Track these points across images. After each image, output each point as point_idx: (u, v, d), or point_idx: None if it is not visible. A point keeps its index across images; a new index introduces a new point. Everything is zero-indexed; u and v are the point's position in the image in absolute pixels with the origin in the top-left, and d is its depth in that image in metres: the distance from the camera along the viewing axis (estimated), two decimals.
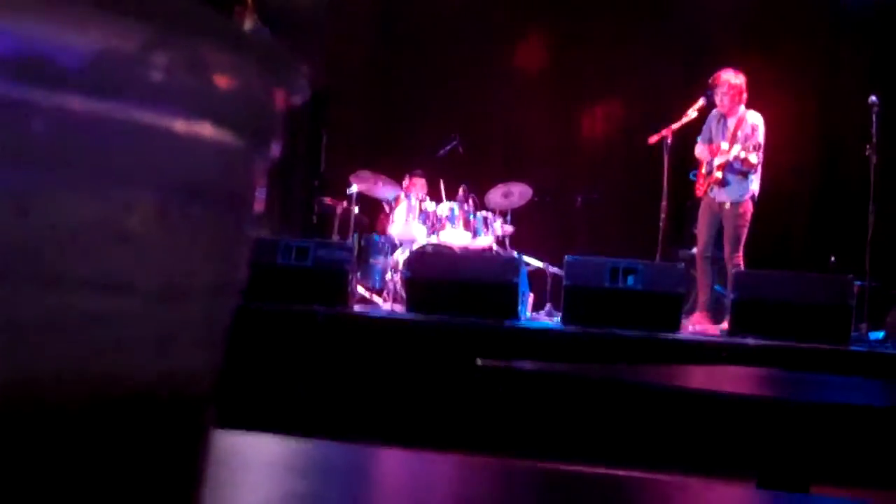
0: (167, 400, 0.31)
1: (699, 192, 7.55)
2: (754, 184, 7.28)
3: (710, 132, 7.55)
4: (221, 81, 0.30)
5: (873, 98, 7.50)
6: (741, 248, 7.31)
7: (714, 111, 7.51)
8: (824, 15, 10.13)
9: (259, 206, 0.36)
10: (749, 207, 7.29)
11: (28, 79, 0.26)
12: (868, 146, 7.49)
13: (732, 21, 10.22)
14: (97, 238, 0.28)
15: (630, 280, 6.56)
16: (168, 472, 0.32)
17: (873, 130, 7.45)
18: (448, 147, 9.32)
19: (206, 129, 0.30)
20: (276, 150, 0.36)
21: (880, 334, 6.92)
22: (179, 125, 0.29)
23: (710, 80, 7.56)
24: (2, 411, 0.27)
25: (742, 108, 7.39)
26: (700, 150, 7.56)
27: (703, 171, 7.50)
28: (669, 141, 7.61)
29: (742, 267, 7.25)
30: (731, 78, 7.42)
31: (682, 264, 7.13)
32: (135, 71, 0.28)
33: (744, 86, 7.42)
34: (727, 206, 7.31)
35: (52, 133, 0.27)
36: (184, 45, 0.29)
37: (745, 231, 7.31)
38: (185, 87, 0.29)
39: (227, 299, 0.34)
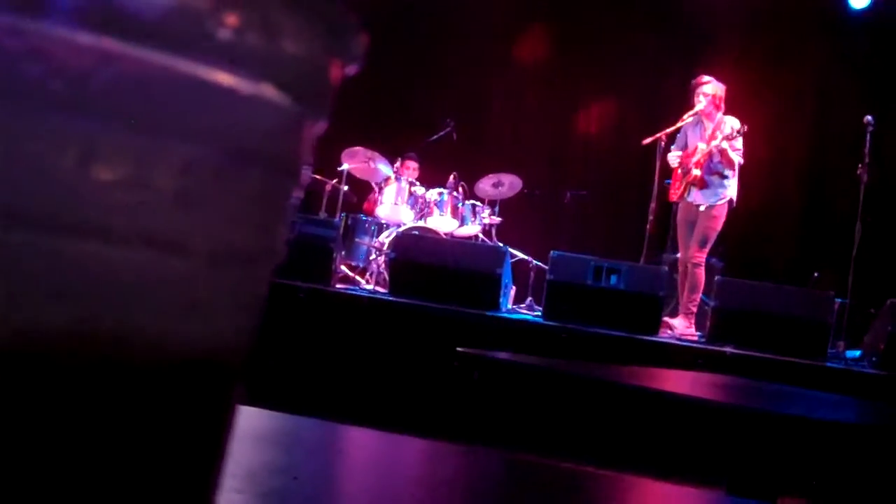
0: (204, 364, 0.31)
1: (673, 197, 7.55)
2: (731, 189, 7.28)
3: (686, 138, 7.56)
4: (288, 45, 0.30)
5: (868, 118, 7.51)
6: (707, 249, 7.31)
7: (692, 119, 7.51)
8: (821, 32, 10.15)
9: (306, 178, 0.35)
10: (723, 212, 7.29)
11: (101, 27, 0.25)
12: (860, 165, 7.51)
13: (728, 30, 10.23)
14: (154, 194, 0.27)
15: (613, 279, 6.57)
16: (198, 435, 0.32)
17: (866, 150, 7.48)
18: (442, 133, 9.30)
19: (268, 92, 0.30)
20: (324, 124, 0.36)
21: (857, 353, 6.95)
22: (244, 86, 0.29)
23: (693, 81, 7.58)
24: (46, 360, 0.26)
25: (720, 114, 7.42)
26: (673, 157, 7.57)
27: (679, 172, 7.50)
28: (663, 144, 7.61)
29: (702, 267, 7.26)
30: (714, 82, 7.45)
31: (666, 268, 7.13)
32: (206, 28, 0.27)
33: (723, 94, 7.44)
34: (702, 208, 7.32)
35: (120, 83, 0.26)
36: (256, 5, 0.28)
37: (714, 235, 7.30)
38: (254, 47, 0.28)
39: (267, 268, 0.34)
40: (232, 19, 0.28)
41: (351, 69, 0.35)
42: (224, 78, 0.28)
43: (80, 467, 0.27)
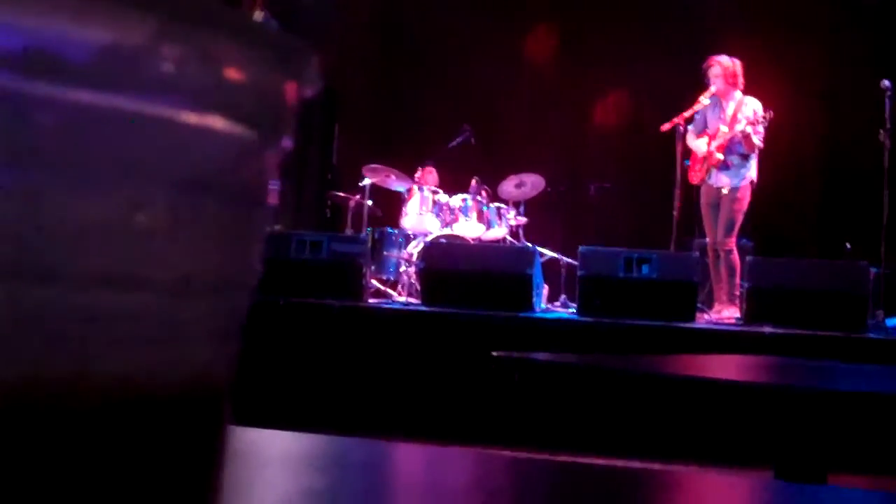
0: (182, 397, 0.31)
1: (694, 180, 7.52)
2: (752, 170, 7.24)
3: (705, 120, 7.52)
4: (232, 74, 0.30)
5: (886, 82, 7.45)
6: (735, 234, 7.28)
7: (709, 101, 7.47)
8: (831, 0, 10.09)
9: (272, 199, 0.35)
10: (747, 194, 7.25)
11: (34, 73, 0.26)
12: (882, 131, 7.44)
13: (741, 7, 10.18)
14: (107, 234, 0.28)
15: (644, 269, 6.54)
16: (184, 470, 0.32)
17: (887, 115, 7.41)
18: (460, 138, 9.31)
19: (217, 123, 0.30)
20: (288, 142, 0.36)
21: None
22: (190, 118, 0.29)
23: (703, 65, 7.55)
24: (13, 411, 0.26)
25: (739, 92, 7.37)
26: (691, 139, 7.54)
27: (701, 156, 7.46)
28: (682, 129, 7.58)
29: (735, 252, 7.23)
30: (723, 61, 7.41)
31: (697, 253, 7.10)
32: (143, 63, 0.27)
33: (738, 69, 7.39)
34: (725, 190, 7.28)
35: (60, 128, 0.26)
36: (194, 36, 0.28)
37: (741, 217, 7.27)
38: (196, 79, 0.29)
39: (241, 294, 0.34)
40: (170, 53, 0.28)
41: (308, 91, 0.35)
42: (167, 112, 0.28)
43: None
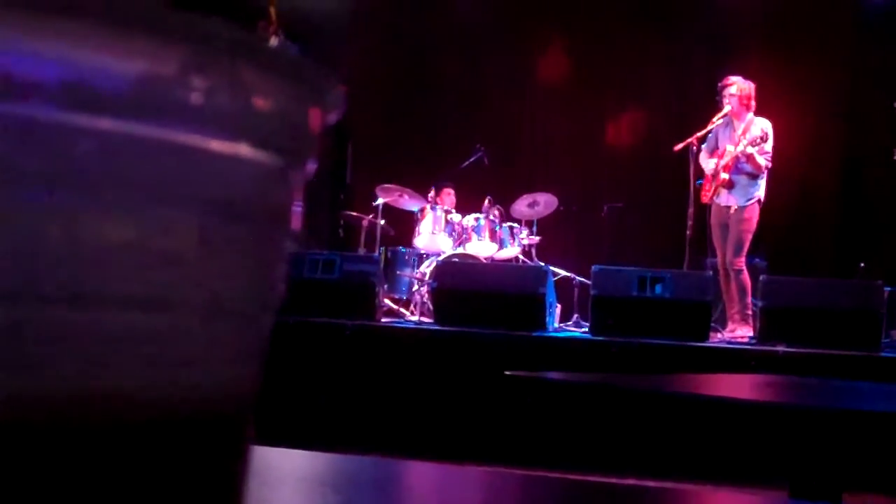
0: (208, 416, 0.32)
1: (705, 199, 7.52)
2: (760, 189, 7.23)
3: (717, 139, 7.53)
4: (259, 102, 0.31)
5: None
6: (744, 254, 7.26)
7: (722, 121, 7.48)
8: (848, 19, 10.08)
9: (296, 222, 0.36)
10: (755, 213, 7.23)
11: (72, 104, 0.27)
12: (895, 150, 7.44)
13: (756, 27, 10.19)
14: (139, 257, 0.28)
15: (658, 289, 6.52)
16: (209, 487, 0.33)
17: None
18: (473, 158, 9.31)
19: (244, 150, 0.31)
20: (312, 167, 0.37)
21: None
22: (218, 146, 0.30)
23: (719, 84, 7.56)
24: (43, 426, 0.27)
25: (750, 114, 7.37)
26: (703, 158, 7.56)
27: (710, 175, 7.48)
28: (695, 148, 7.58)
29: (745, 272, 7.21)
30: (739, 82, 7.42)
31: (711, 272, 7.08)
32: (174, 94, 0.28)
33: (752, 92, 7.40)
34: (733, 209, 7.27)
35: (96, 156, 0.27)
36: (223, 67, 0.29)
37: (750, 236, 7.25)
38: (224, 108, 0.29)
39: (265, 316, 0.35)
40: (200, 83, 0.29)
41: (332, 117, 0.36)
42: (199, 140, 0.29)
43: None
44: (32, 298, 0.27)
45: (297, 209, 0.36)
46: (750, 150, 7.12)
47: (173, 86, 0.28)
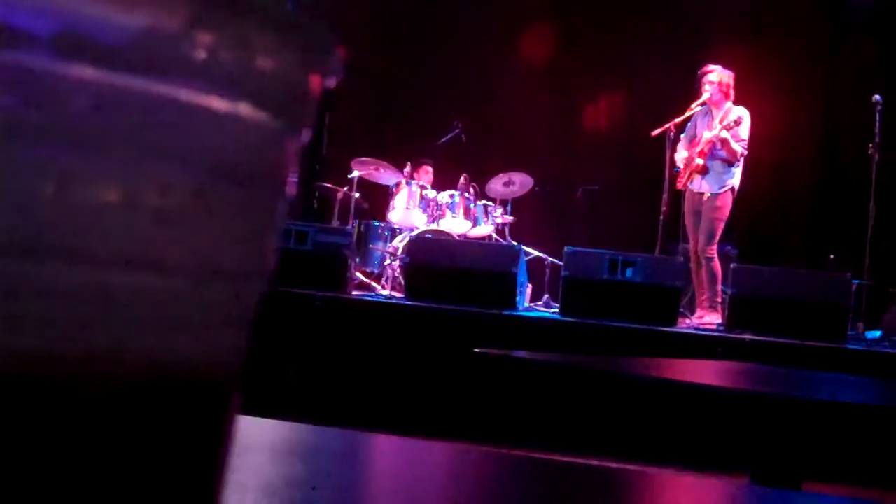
0: (198, 381, 0.31)
1: (679, 185, 7.56)
2: (735, 178, 7.27)
3: (695, 128, 7.57)
4: (263, 62, 0.30)
5: (877, 97, 7.50)
6: (715, 241, 7.31)
7: (700, 108, 7.51)
8: (828, 13, 10.13)
9: (291, 189, 0.35)
10: (728, 201, 7.28)
11: (70, 55, 0.26)
12: (871, 144, 7.49)
13: (736, 16, 10.21)
14: (134, 216, 0.28)
15: (629, 272, 6.56)
16: (194, 454, 0.32)
17: (876, 129, 7.45)
18: (450, 135, 9.31)
19: (245, 110, 0.30)
20: (308, 133, 0.36)
21: (877, 333, 6.93)
22: (220, 104, 0.29)
23: (699, 72, 7.59)
24: (34, 386, 0.26)
25: (729, 103, 7.41)
26: (680, 147, 7.60)
27: (681, 164, 7.52)
28: (672, 134, 7.61)
29: (716, 259, 7.27)
30: (719, 70, 7.45)
31: (682, 258, 7.12)
32: (178, 49, 0.27)
33: (731, 81, 7.44)
34: (706, 196, 7.32)
35: (93, 110, 0.26)
36: (228, 23, 0.28)
37: (722, 225, 7.31)
38: (229, 66, 0.29)
39: (257, 283, 0.34)
40: (205, 39, 0.28)
41: (330, 82, 0.35)
42: (199, 98, 0.28)
43: (73, 491, 0.27)
44: (24, 253, 0.26)
45: (293, 178, 0.35)
46: (724, 134, 7.15)
47: (177, 40, 0.27)
